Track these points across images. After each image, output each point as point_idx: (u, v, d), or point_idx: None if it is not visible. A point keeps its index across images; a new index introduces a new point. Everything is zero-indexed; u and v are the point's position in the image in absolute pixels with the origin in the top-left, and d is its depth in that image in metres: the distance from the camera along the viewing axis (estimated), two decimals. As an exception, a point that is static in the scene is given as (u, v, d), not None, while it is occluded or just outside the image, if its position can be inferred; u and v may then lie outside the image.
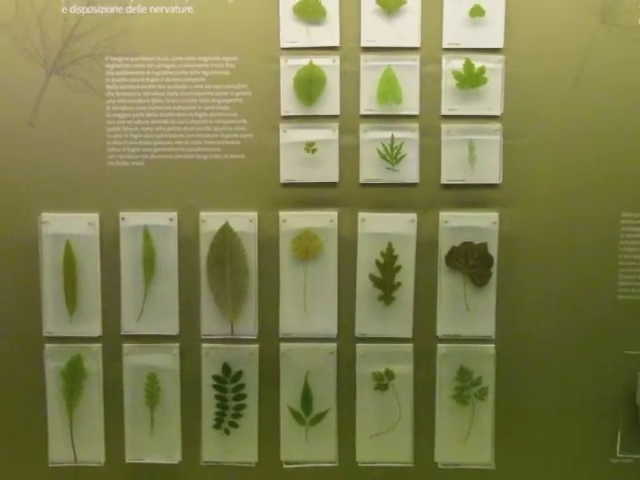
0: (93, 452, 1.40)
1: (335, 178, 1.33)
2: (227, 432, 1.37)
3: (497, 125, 1.31)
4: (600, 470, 1.37)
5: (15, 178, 1.34)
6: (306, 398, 1.37)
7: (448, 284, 1.34)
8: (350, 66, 1.31)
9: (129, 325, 1.36)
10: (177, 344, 1.37)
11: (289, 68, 1.31)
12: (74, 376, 1.37)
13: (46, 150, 1.33)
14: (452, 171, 1.32)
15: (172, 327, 1.36)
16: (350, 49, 1.31)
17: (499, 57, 1.30)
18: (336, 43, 1.31)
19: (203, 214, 1.34)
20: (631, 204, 1.32)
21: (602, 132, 1.31)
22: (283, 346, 1.36)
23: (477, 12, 1.29)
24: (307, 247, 1.33)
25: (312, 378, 1.37)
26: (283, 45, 1.31)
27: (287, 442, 1.38)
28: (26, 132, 1.33)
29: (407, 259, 1.34)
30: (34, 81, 1.32)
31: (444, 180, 1.33)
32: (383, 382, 1.36)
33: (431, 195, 1.33)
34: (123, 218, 1.34)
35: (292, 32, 1.30)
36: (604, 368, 1.35)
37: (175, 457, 1.39)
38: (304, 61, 1.31)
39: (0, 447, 1.40)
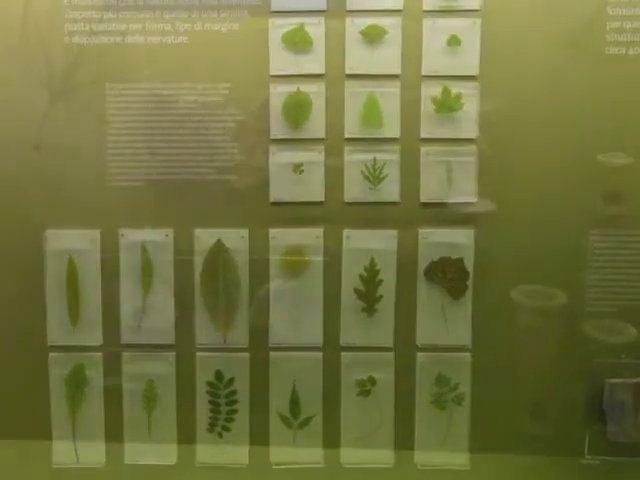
0: (94, 454, 1.44)
1: (321, 197, 1.38)
2: (220, 435, 1.43)
3: (473, 147, 1.37)
4: (569, 471, 1.42)
5: (21, 197, 1.39)
6: (294, 403, 1.42)
7: (427, 296, 1.40)
8: (335, 92, 1.36)
9: (128, 335, 1.42)
10: (173, 352, 1.42)
11: (278, 94, 1.36)
12: (76, 383, 1.42)
13: (50, 171, 1.38)
14: (431, 190, 1.38)
15: (168, 337, 1.41)
16: (335, 76, 1.36)
17: (474, 84, 1.35)
18: (322, 71, 1.36)
19: (197, 231, 1.39)
20: (599, 222, 1.37)
21: (572, 155, 1.36)
22: (273, 355, 1.42)
23: (454, 42, 1.35)
24: (295, 262, 1.40)
25: (300, 385, 1.42)
26: (272, 73, 1.36)
27: (276, 444, 1.43)
28: (31, 154, 1.38)
29: (388, 273, 1.39)
30: (39, 106, 1.37)
31: (423, 199, 1.38)
32: (366, 388, 1.41)
33: (411, 213, 1.38)
34: (122, 235, 1.39)
35: (281, 61, 1.35)
36: (574, 375, 1.40)
37: (171, 459, 1.44)
38: (292, 88, 1.36)
39: (7, 449, 1.44)
